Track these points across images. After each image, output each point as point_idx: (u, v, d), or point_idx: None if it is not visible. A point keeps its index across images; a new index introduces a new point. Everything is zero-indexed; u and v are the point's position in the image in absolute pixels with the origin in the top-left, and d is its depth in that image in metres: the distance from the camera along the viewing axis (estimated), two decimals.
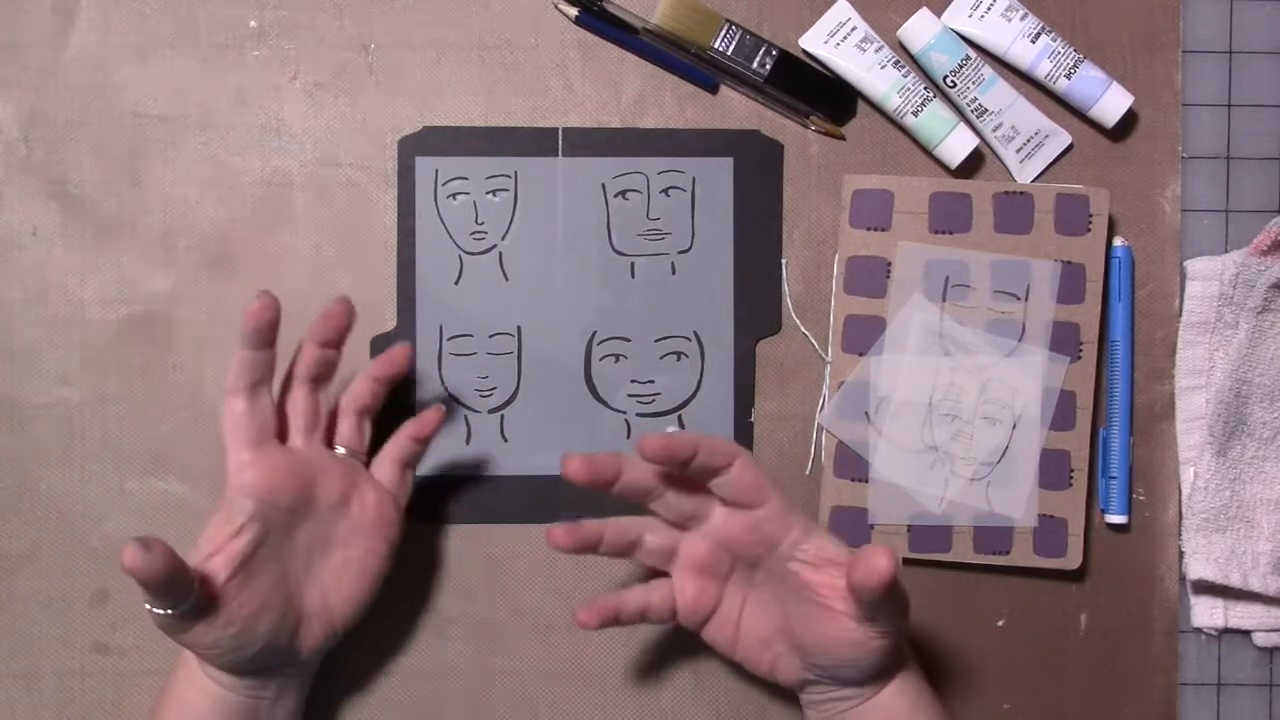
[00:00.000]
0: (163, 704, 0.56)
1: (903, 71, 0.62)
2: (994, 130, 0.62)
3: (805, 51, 0.63)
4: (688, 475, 0.53)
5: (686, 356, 0.63)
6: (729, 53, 0.62)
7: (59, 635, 0.62)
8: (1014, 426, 0.62)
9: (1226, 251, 0.64)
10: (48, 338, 0.62)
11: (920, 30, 0.62)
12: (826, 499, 0.63)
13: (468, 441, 0.63)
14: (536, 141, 0.63)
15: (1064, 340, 0.62)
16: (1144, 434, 0.64)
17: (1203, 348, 0.64)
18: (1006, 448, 0.62)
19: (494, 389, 0.63)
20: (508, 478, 0.63)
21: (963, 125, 0.62)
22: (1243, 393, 0.62)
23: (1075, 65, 0.62)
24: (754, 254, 0.63)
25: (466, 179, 0.63)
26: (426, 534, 0.63)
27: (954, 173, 0.63)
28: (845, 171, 0.63)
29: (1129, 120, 0.63)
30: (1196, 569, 0.62)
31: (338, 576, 0.57)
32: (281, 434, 0.56)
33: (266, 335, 0.53)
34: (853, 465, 0.62)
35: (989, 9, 0.62)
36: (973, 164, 0.63)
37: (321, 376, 0.56)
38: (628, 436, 0.63)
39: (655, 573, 0.58)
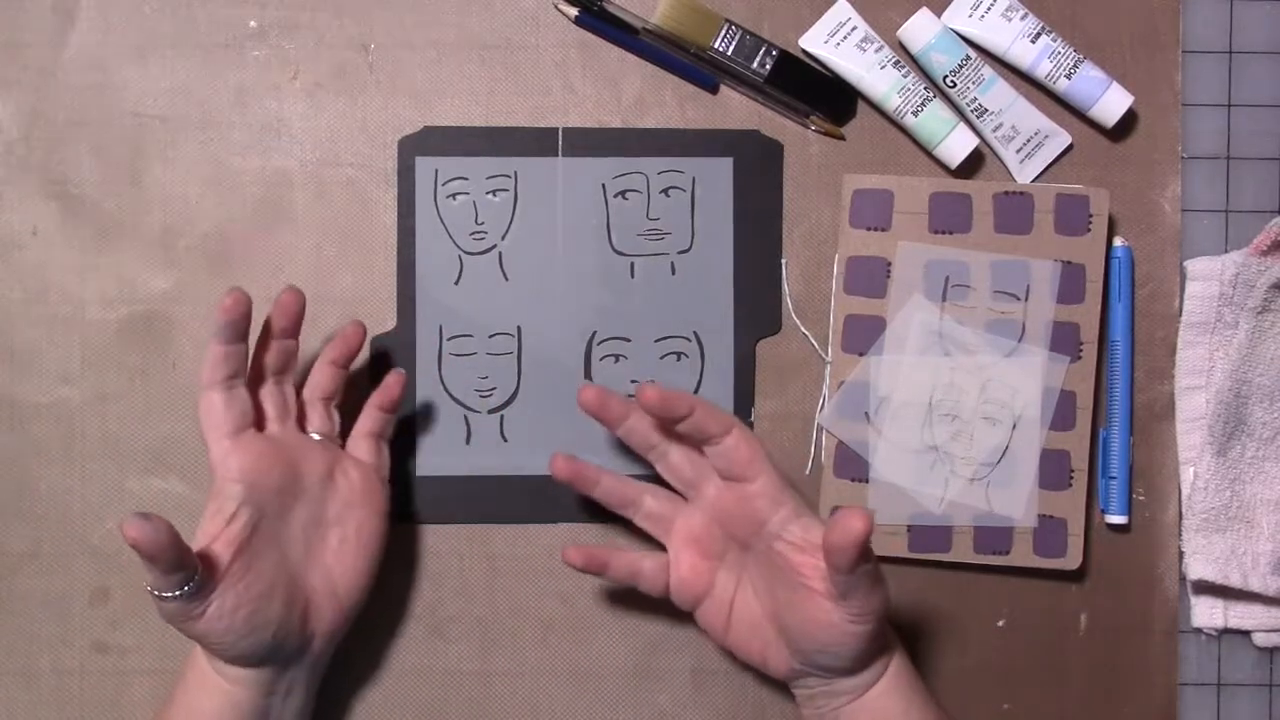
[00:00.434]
0: (169, 710, 0.56)
1: (903, 71, 0.62)
2: (994, 130, 0.62)
3: (805, 51, 0.63)
4: (684, 435, 0.56)
5: (686, 356, 0.63)
6: (729, 53, 0.62)
7: (59, 633, 0.62)
8: (1014, 426, 0.62)
9: (1226, 251, 0.64)
10: (48, 338, 0.62)
11: (920, 30, 0.62)
12: (826, 499, 0.63)
13: (468, 441, 0.63)
14: (536, 141, 0.63)
15: (1064, 340, 0.62)
16: (1144, 434, 0.64)
17: (1203, 348, 0.64)
18: (1006, 448, 0.62)
19: (494, 389, 0.63)
20: (508, 478, 0.63)
21: (963, 125, 0.62)
22: (1243, 393, 0.62)
23: (1075, 65, 0.62)
24: (754, 254, 0.63)
25: (466, 179, 0.63)
26: (426, 534, 0.63)
27: (954, 173, 0.63)
28: (845, 171, 0.63)
29: (1129, 120, 0.63)
30: (1196, 569, 0.62)
31: (338, 556, 0.57)
32: (256, 425, 0.56)
33: (240, 329, 0.54)
34: (853, 465, 0.62)
35: (989, 9, 0.62)
36: (973, 164, 0.63)
37: (286, 367, 0.57)
38: None
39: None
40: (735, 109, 0.64)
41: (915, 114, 0.62)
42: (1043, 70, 0.62)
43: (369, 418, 0.60)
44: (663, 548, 0.59)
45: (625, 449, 0.61)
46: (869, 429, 0.62)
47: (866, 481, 0.62)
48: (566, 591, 0.63)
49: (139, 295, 0.63)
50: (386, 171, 0.63)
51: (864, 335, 0.62)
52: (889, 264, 0.62)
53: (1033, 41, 0.62)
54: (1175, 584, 0.64)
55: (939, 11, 0.62)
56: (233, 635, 0.52)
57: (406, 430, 0.63)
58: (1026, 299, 0.62)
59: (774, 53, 0.62)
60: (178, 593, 0.50)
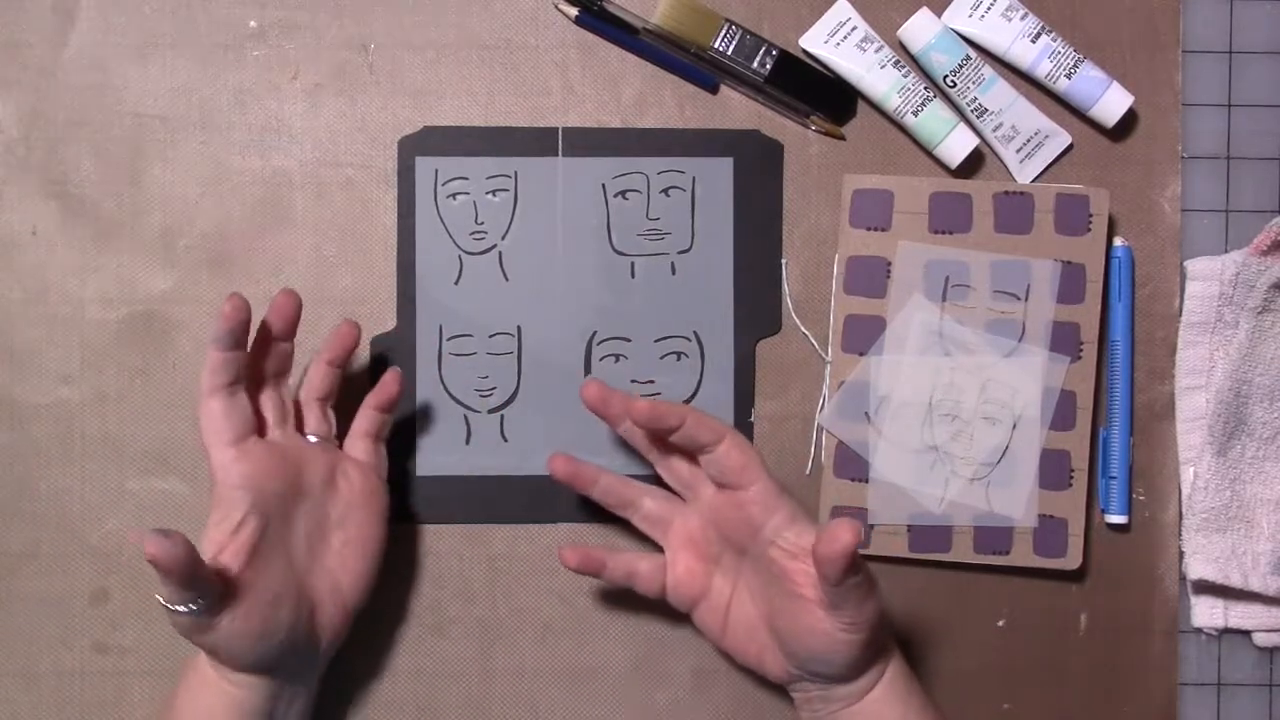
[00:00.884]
0: (171, 713, 0.55)
1: (903, 71, 0.62)
2: (994, 130, 0.62)
3: (805, 51, 0.63)
4: (677, 444, 0.56)
5: (686, 356, 0.63)
6: (729, 53, 0.62)
7: (59, 634, 0.62)
8: (1014, 426, 0.62)
9: (1226, 251, 0.64)
10: (48, 338, 0.62)
11: (920, 30, 0.62)
12: (826, 499, 0.63)
13: (468, 441, 0.63)
14: (536, 141, 0.63)
15: (1064, 340, 0.62)
16: (1144, 434, 0.64)
17: (1203, 348, 0.64)
18: (1006, 448, 0.62)
19: (494, 389, 0.63)
20: (508, 478, 0.63)
21: (963, 125, 0.62)
22: (1243, 393, 0.62)
23: (1075, 65, 0.62)
24: (754, 254, 0.63)
25: (466, 179, 0.63)
26: (427, 534, 0.63)
27: (954, 173, 0.63)
28: (845, 171, 0.63)
29: (1129, 120, 0.63)
30: (1196, 569, 0.62)
31: (341, 558, 0.57)
32: (256, 431, 0.56)
33: (240, 336, 0.53)
34: (853, 465, 0.62)
35: (989, 9, 0.62)
36: (973, 164, 0.63)
37: (283, 370, 0.57)
38: None
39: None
40: (735, 109, 0.64)
41: (915, 114, 0.62)
42: (1043, 70, 0.62)
43: (365, 418, 0.59)
44: (660, 550, 0.59)
45: (626, 448, 0.61)
46: (869, 429, 0.62)
47: (866, 481, 0.62)
48: (566, 591, 0.63)
49: (139, 295, 0.63)
50: (386, 171, 0.63)
51: (864, 335, 0.62)
52: (889, 264, 0.62)
53: (1033, 41, 0.62)
54: (1175, 584, 0.64)
55: (939, 11, 0.62)
56: (244, 645, 0.52)
57: (406, 430, 0.63)
58: (1026, 299, 0.62)
59: (774, 53, 0.62)
60: (193, 607, 0.50)
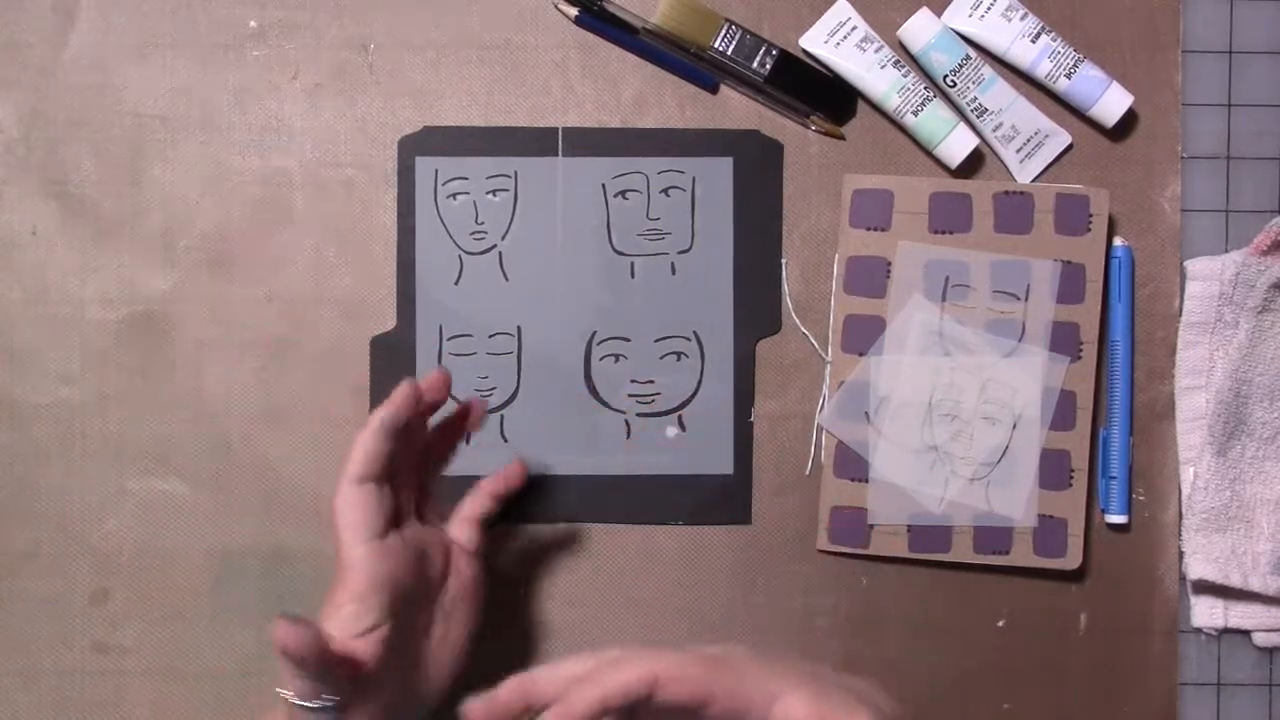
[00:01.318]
0: None
1: (903, 71, 0.62)
2: (994, 130, 0.62)
3: (805, 51, 0.63)
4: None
5: (686, 356, 0.63)
6: (729, 53, 0.62)
7: (59, 634, 0.62)
8: (1014, 426, 0.62)
9: (1226, 251, 0.64)
10: (48, 338, 0.62)
11: (920, 30, 0.62)
12: (826, 499, 0.63)
13: (468, 441, 0.63)
14: (536, 141, 0.63)
15: (1064, 340, 0.62)
16: (1144, 434, 0.64)
17: (1203, 348, 0.64)
18: (1006, 448, 0.62)
19: (494, 389, 0.63)
20: None
21: (963, 125, 0.62)
22: (1243, 393, 0.62)
23: (1075, 65, 0.62)
24: (754, 254, 0.63)
25: (466, 179, 0.63)
26: None
27: (954, 173, 0.63)
28: (845, 171, 0.63)
29: (1129, 120, 0.63)
30: (1196, 569, 0.62)
31: (437, 652, 0.54)
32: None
33: (412, 425, 0.51)
34: (853, 465, 0.62)
35: (989, 9, 0.62)
36: (973, 164, 0.63)
37: (425, 453, 0.56)
38: (627, 436, 0.63)
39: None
40: (735, 109, 0.64)
41: (915, 114, 0.62)
42: (1043, 70, 0.62)
43: (478, 502, 0.57)
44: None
45: (626, 448, 0.61)
46: (869, 429, 0.62)
47: (866, 481, 0.62)
48: (567, 591, 0.63)
49: (139, 295, 0.63)
50: (386, 171, 0.63)
51: (864, 335, 0.62)
52: (889, 264, 0.62)
53: (1033, 41, 0.62)
54: (1175, 584, 0.64)
55: (939, 11, 0.62)
56: None
57: None
58: (1026, 299, 0.62)
59: (774, 53, 0.62)
60: (327, 703, 0.47)
